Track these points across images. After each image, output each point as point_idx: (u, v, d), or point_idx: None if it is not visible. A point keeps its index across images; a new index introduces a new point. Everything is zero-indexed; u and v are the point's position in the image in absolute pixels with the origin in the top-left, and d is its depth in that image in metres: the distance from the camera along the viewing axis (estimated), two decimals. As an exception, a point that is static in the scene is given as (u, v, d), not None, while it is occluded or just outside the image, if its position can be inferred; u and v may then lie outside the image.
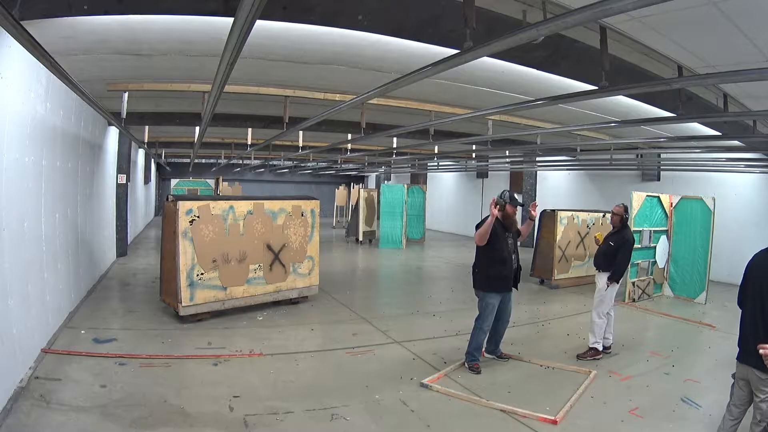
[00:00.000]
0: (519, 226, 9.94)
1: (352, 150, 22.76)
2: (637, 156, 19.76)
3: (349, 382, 8.83)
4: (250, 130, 17.74)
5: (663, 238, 16.24)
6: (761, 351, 4.94)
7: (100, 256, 16.22)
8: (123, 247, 20.75)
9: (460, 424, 7.41)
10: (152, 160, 35.93)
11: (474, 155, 24.61)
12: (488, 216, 9.16)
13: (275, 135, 15.49)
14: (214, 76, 6.69)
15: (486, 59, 7.06)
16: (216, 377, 8.77)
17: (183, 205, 11.49)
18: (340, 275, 19.47)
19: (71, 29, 7.31)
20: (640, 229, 15.44)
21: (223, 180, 35.82)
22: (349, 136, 16.86)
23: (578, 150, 18.16)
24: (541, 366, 9.88)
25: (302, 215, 13.93)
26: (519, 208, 9.91)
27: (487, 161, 27.66)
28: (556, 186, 28.77)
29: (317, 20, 6.52)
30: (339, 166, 34.49)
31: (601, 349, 10.32)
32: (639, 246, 15.10)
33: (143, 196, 33.08)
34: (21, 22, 4.69)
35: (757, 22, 6.33)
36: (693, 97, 9.67)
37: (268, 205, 13.20)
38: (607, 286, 10.31)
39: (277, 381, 8.73)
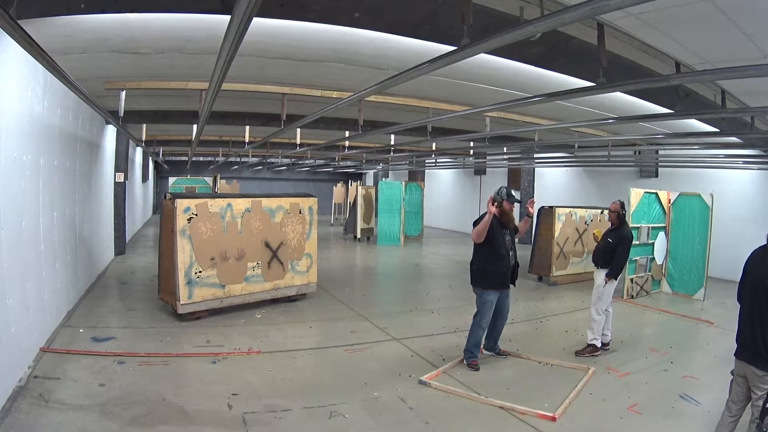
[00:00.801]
0: (517, 222, 9.92)
1: (350, 147, 22.80)
2: (635, 152, 19.79)
3: (347, 380, 8.84)
4: (247, 127, 17.80)
5: (661, 234, 16.26)
6: None
7: (99, 255, 16.23)
8: (121, 246, 20.74)
9: (458, 421, 7.41)
10: (150, 158, 35.93)
11: (472, 152, 24.67)
12: (486, 213, 9.15)
13: (273, 132, 15.51)
14: (211, 73, 6.69)
15: (483, 56, 7.04)
16: (214, 375, 8.78)
17: (181, 203, 11.51)
18: (338, 273, 19.48)
19: (69, 28, 7.29)
20: (639, 225, 15.46)
21: (221, 178, 35.83)
22: (347, 134, 16.89)
23: (576, 147, 18.16)
24: (540, 363, 9.88)
25: (300, 213, 13.95)
26: (517, 205, 9.90)
27: (485, 158, 27.75)
28: (554, 183, 28.81)
29: (314, 17, 6.52)
30: (337, 163, 34.57)
31: (599, 345, 10.33)
32: (637, 243, 15.12)
33: (141, 195, 33.07)
34: (18, 21, 4.68)
35: (754, 18, 6.33)
36: (691, 93, 9.67)
37: (266, 202, 13.21)
38: (606, 283, 10.31)
39: (275, 379, 8.74)
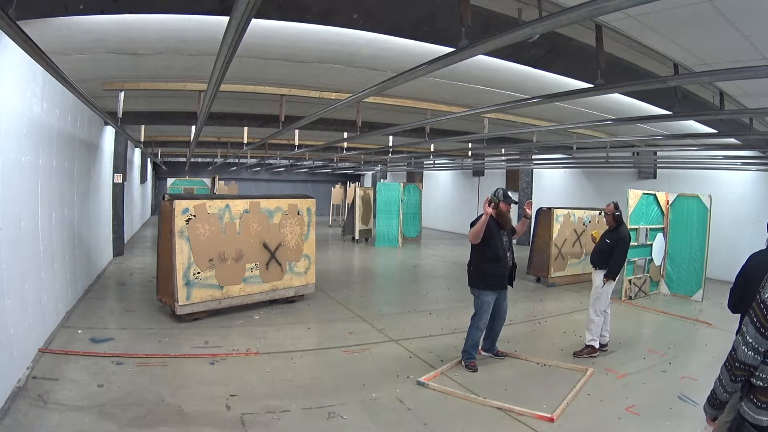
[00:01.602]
0: (515, 223, 9.93)
1: (348, 148, 22.80)
2: (634, 154, 19.79)
3: (345, 381, 8.84)
4: (246, 128, 17.81)
5: (659, 235, 16.26)
6: None
7: (97, 256, 16.24)
8: (120, 247, 20.74)
9: (456, 422, 7.41)
10: (148, 159, 35.91)
11: (470, 153, 24.75)
12: (483, 214, 9.17)
13: (271, 134, 15.49)
14: (210, 75, 6.69)
15: (482, 57, 7.06)
16: (213, 376, 8.78)
17: (179, 204, 11.51)
18: (336, 274, 19.49)
19: (67, 29, 7.31)
20: (637, 226, 15.45)
21: (220, 179, 35.90)
22: (345, 135, 16.90)
23: (574, 148, 18.21)
24: (538, 364, 9.88)
25: (298, 214, 13.95)
26: (515, 206, 9.91)
27: (483, 159, 27.76)
28: (552, 184, 28.83)
29: (313, 19, 6.52)
30: (335, 164, 34.49)
31: (597, 346, 10.33)
32: (635, 244, 15.12)
33: (140, 196, 33.09)
34: (17, 22, 4.69)
35: (752, 20, 6.34)
36: (689, 95, 9.68)
37: (264, 203, 13.22)
38: (604, 284, 10.33)
39: (274, 379, 8.75)
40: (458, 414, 7.67)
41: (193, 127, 15.10)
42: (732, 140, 14.12)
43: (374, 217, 29.26)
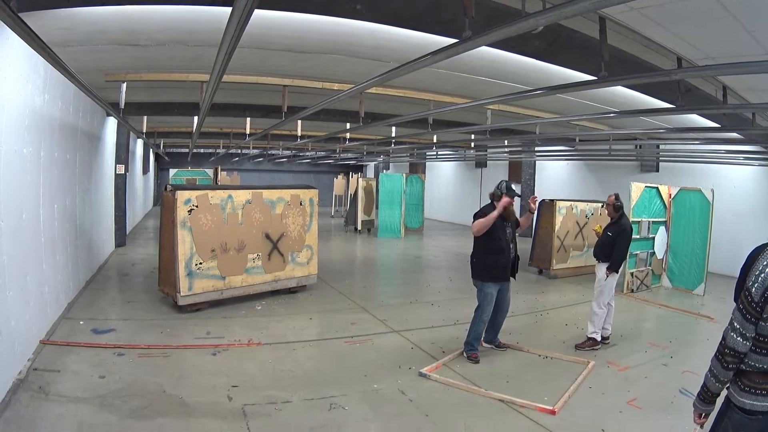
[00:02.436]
0: (518, 216, 9.90)
1: (351, 139, 22.77)
2: (636, 147, 19.74)
3: (347, 372, 8.86)
4: (248, 119, 17.76)
5: (662, 229, 16.23)
6: None
7: (99, 247, 16.24)
8: (121, 238, 20.75)
9: (458, 413, 7.42)
10: (151, 150, 35.90)
11: (473, 145, 24.64)
12: (488, 205, 9.17)
13: (274, 124, 15.48)
14: (212, 65, 6.67)
15: (485, 49, 7.05)
16: (214, 367, 8.80)
17: (181, 195, 11.50)
18: (338, 264, 19.54)
19: (69, 20, 7.29)
20: (639, 219, 15.45)
21: (222, 169, 35.85)
22: (348, 126, 16.86)
23: (577, 140, 18.17)
24: (540, 356, 9.90)
25: (301, 204, 13.95)
26: (518, 198, 9.87)
27: (486, 151, 27.66)
28: (554, 176, 28.76)
29: (315, 9, 6.53)
30: (338, 155, 34.43)
31: (599, 339, 10.36)
32: (638, 237, 15.14)
33: (142, 186, 33.11)
34: (19, 14, 4.68)
35: (756, 15, 6.32)
36: (692, 88, 9.66)
37: (266, 194, 13.22)
38: (607, 276, 10.34)
39: (275, 370, 8.76)
40: (460, 405, 7.68)
41: (196, 118, 15.07)
42: (734, 135, 14.10)
43: (377, 207, 29.29)
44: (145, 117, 18.09)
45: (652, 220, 16.01)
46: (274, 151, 33.28)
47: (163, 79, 11.05)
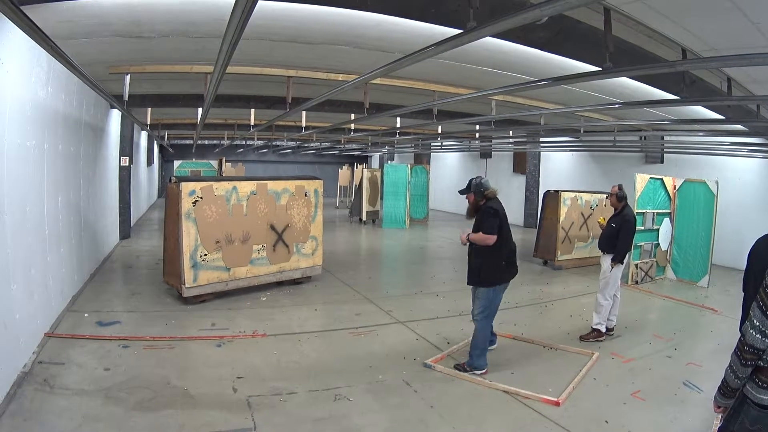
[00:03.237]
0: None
1: (356, 130, 22.69)
2: (641, 138, 19.73)
3: (352, 363, 8.91)
4: (253, 110, 17.72)
5: (666, 220, 16.24)
6: None
7: (104, 239, 16.28)
8: (126, 230, 20.78)
9: (463, 404, 7.47)
10: (155, 142, 35.94)
11: (477, 135, 24.62)
12: (488, 212, 8.74)
13: (278, 115, 15.44)
14: (216, 57, 6.66)
15: (489, 39, 7.04)
16: (219, 358, 8.85)
17: (186, 186, 11.52)
18: (343, 255, 19.60)
19: (72, 13, 7.27)
20: (644, 211, 15.47)
21: (227, 161, 35.85)
22: (353, 116, 16.82)
23: (582, 131, 18.11)
24: (544, 347, 9.94)
25: (305, 195, 13.98)
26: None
27: (491, 141, 27.58)
28: (559, 167, 28.70)
29: (320, 0, 6.51)
30: (342, 146, 34.39)
31: (604, 330, 10.39)
32: (642, 228, 15.17)
33: (146, 178, 33.13)
34: (21, 7, 4.68)
35: (761, 6, 6.29)
36: (697, 80, 9.63)
37: (271, 185, 13.24)
38: (612, 268, 10.37)
39: (280, 362, 8.81)
40: (464, 397, 7.72)
41: (200, 110, 15.03)
42: (739, 127, 14.08)
43: (381, 198, 29.25)
44: (149, 109, 17.99)
45: (657, 211, 16.02)
46: (278, 143, 33.40)
47: (167, 70, 11.03)
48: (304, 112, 17.51)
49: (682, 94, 8.96)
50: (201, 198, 11.73)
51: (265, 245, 13.09)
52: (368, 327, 10.86)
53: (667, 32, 7.48)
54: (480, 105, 14.73)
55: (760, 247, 4.79)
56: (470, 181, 9.18)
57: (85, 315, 10.64)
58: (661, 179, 16.14)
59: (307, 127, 21.05)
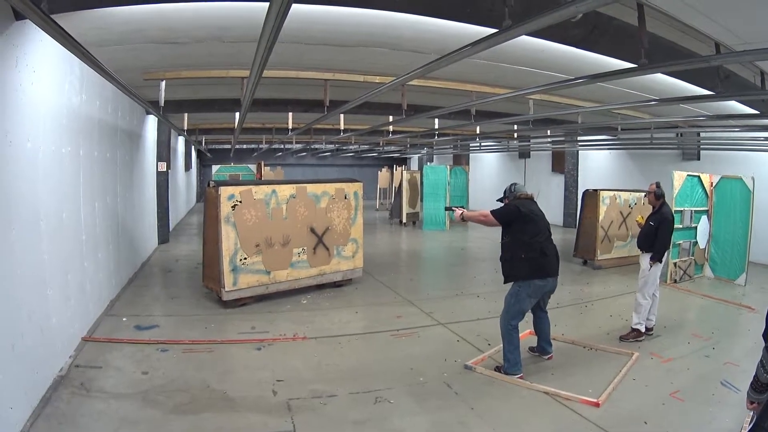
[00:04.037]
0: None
1: (394, 132, 22.75)
2: (677, 135, 19.59)
3: (393, 365, 8.91)
4: (290, 114, 17.77)
5: (704, 218, 16.11)
6: None
7: (142, 244, 16.41)
8: (165, 234, 20.93)
9: (503, 406, 7.47)
10: (192, 147, 36.22)
11: (515, 135, 24.56)
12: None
13: (316, 119, 15.52)
14: (252, 61, 6.68)
15: (524, 38, 6.99)
16: (259, 361, 8.88)
17: (225, 191, 11.58)
18: (384, 257, 19.62)
19: (103, 21, 7.33)
20: (682, 209, 15.37)
21: (265, 165, 35.98)
22: (391, 118, 16.82)
23: (619, 129, 18.04)
24: (585, 347, 9.91)
25: (345, 198, 14.00)
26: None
27: (529, 141, 27.55)
28: (597, 165, 28.58)
29: (353, 2, 6.52)
30: (381, 148, 34.48)
31: (643, 330, 10.32)
32: (680, 226, 15.08)
33: (184, 183, 33.43)
34: (51, 15, 4.71)
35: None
36: (731, 75, 9.56)
37: (310, 188, 13.27)
38: (651, 266, 10.31)
39: (320, 364, 8.83)
40: (505, 398, 7.72)
41: (237, 114, 15.12)
42: (774, 121, 13.97)
43: (421, 200, 29.20)
44: (186, 114, 18.14)
45: (695, 209, 15.88)
46: (317, 146, 33.36)
47: (203, 76, 11.08)
48: (341, 115, 17.45)
49: (717, 89, 8.92)
50: (240, 202, 11.78)
51: (305, 248, 13.12)
52: (409, 329, 10.86)
53: (700, 27, 7.43)
54: (517, 104, 14.67)
55: None
56: (506, 188, 9.32)
57: (123, 319, 10.72)
58: (699, 176, 16.02)
59: (345, 130, 21.06)
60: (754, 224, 15.34)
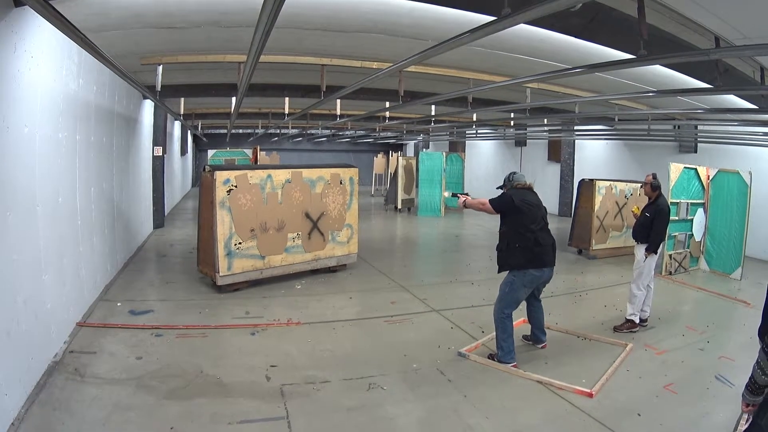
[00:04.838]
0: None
1: (390, 118, 22.84)
2: (675, 127, 19.54)
3: (386, 351, 8.95)
4: (287, 99, 17.78)
5: (700, 211, 16.10)
6: None
7: (137, 228, 16.41)
8: (160, 219, 20.94)
9: (496, 394, 7.48)
10: (189, 131, 36.20)
11: (512, 123, 24.60)
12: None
13: (312, 104, 15.53)
14: (249, 46, 6.66)
15: (523, 26, 7.01)
16: (253, 347, 8.92)
17: (220, 175, 11.58)
18: (378, 243, 19.72)
19: (101, 6, 7.32)
20: (678, 201, 15.35)
21: (261, 150, 35.99)
22: (387, 104, 16.82)
23: (616, 119, 18.04)
24: (578, 337, 9.93)
25: (341, 183, 14.03)
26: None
27: (526, 129, 27.52)
28: (594, 155, 28.58)
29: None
30: (377, 134, 34.56)
31: (638, 321, 10.34)
32: (676, 218, 15.09)
33: (180, 168, 33.41)
34: (50, 1, 4.71)
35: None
36: (730, 69, 9.56)
37: (306, 173, 13.28)
38: (646, 258, 10.32)
39: (314, 350, 8.86)
40: (498, 386, 7.74)
41: (234, 99, 15.12)
42: (772, 116, 13.96)
43: (417, 186, 29.39)
44: (183, 99, 18.14)
45: (691, 201, 15.87)
46: (313, 131, 33.34)
47: (200, 60, 11.07)
48: (338, 101, 17.48)
49: (716, 83, 8.90)
50: (235, 186, 11.79)
51: (300, 233, 13.15)
52: (403, 315, 10.89)
53: (700, 20, 7.42)
54: (514, 93, 14.67)
55: None
56: (505, 176, 9.27)
57: (118, 304, 10.73)
58: (695, 169, 16.02)
59: (341, 115, 21.11)
60: (751, 219, 15.34)
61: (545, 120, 21.88)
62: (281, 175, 12.75)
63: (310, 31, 9.08)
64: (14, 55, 6.29)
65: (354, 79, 11.04)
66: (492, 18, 5.67)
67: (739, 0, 6.58)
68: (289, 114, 19.64)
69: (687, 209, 15.79)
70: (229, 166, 16.77)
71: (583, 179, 18.30)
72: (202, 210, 12.48)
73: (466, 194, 9.38)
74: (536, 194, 9.05)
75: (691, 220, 15.93)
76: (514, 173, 9.26)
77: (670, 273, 15.39)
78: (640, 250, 10.46)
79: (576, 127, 23.64)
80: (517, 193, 8.81)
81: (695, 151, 22.33)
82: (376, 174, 42.71)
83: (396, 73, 10.29)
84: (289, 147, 48.46)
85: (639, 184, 17.50)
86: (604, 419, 6.83)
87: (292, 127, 31.44)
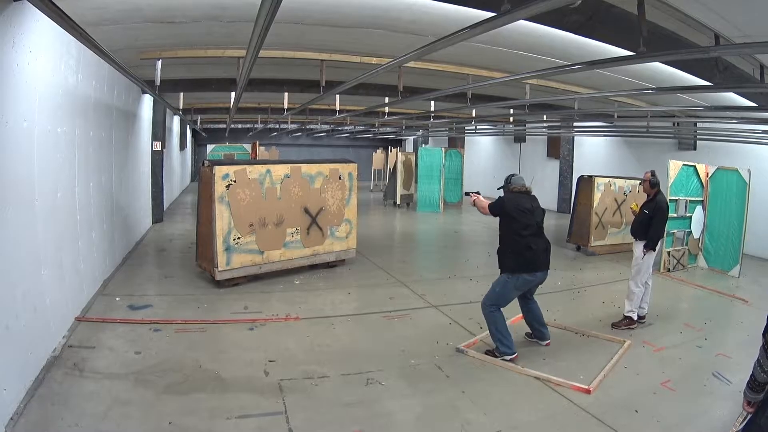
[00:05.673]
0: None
1: (390, 113, 22.82)
2: (674, 124, 19.54)
3: (385, 347, 8.97)
4: (286, 94, 17.77)
5: (698, 208, 16.08)
6: None
7: (136, 223, 16.41)
8: (159, 213, 20.95)
9: (494, 390, 7.51)
10: (188, 126, 36.14)
11: (511, 119, 24.53)
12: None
13: (312, 99, 15.60)
14: (248, 41, 6.66)
15: (523, 23, 7.00)
16: (252, 342, 8.93)
17: (219, 170, 11.58)
18: (377, 239, 19.69)
19: (101, 1, 7.31)
20: (676, 198, 15.34)
21: (260, 144, 35.92)
22: (387, 100, 16.81)
23: (615, 116, 18.01)
24: (577, 333, 9.94)
25: (340, 178, 14.02)
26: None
27: (525, 126, 27.45)
28: (593, 152, 28.52)
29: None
30: (376, 129, 34.56)
31: (636, 318, 10.34)
32: (675, 215, 15.06)
33: (179, 163, 33.37)
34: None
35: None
36: (729, 66, 9.55)
37: (305, 168, 13.28)
38: (644, 255, 10.33)
39: (313, 345, 8.88)
40: (496, 382, 7.77)
41: (233, 94, 15.09)
42: (772, 114, 13.95)
43: (416, 182, 29.37)
44: (182, 94, 18.07)
45: (690, 198, 15.85)
46: (312, 126, 33.35)
47: (199, 55, 11.06)
48: (338, 96, 17.47)
49: (715, 80, 8.92)
50: (234, 181, 11.79)
51: (299, 228, 13.16)
52: (401, 311, 10.91)
53: (700, 17, 7.42)
54: (514, 89, 14.65)
55: None
56: (505, 178, 9.31)
57: (117, 299, 10.73)
58: (694, 166, 16.01)
59: (341, 111, 21.04)
60: (750, 217, 15.31)
61: (544, 116, 21.80)
62: (280, 170, 12.74)
63: (310, 26, 9.08)
64: (13, 49, 6.28)
65: (353, 75, 11.02)
66: (492, 14, 5.65)
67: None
68: (289, 109, 19.63)
69: (686, 206, 15.76)
70: (229, 161, 16.76)
71: (582, 176, 18.26)
72: (201, 205, 12.46)
73: (477, 193, 9.44)
74: (534, 197, 9.11)
75: (690, 218, 15.91)
76: (513, 175, 9.29)
77: (669, 270, 15.38)
78: (638, 247, 10.46)
79: (575, 124, 23.75)
80: (512, 198, 8.89)
81: (694, 149, 22.31)
82: (375, 169, 42.73)
83: (395, 69, 10.33)
84: (289, 142, 48.42)
85: (638, 181, 17.48)
86: (601, 415, 6.85)
87: (292, 122, 31.32)
